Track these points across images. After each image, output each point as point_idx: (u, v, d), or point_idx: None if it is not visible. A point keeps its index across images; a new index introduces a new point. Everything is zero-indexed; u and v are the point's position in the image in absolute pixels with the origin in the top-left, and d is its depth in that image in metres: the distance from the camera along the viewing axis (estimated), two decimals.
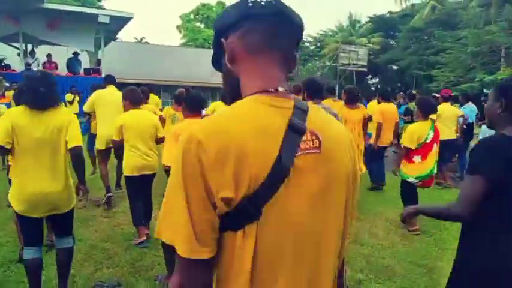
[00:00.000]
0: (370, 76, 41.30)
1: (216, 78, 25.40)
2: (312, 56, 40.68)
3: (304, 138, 0.88)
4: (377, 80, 40.42)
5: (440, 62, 22.16)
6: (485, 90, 19.29)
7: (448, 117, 6.91)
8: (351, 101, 5.45)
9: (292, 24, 0.96)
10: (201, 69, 26.35)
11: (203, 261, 0.83)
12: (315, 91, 3.83)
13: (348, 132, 1.04)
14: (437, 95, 8.44)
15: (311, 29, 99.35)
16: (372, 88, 39.18)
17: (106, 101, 5.57)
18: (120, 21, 14.67)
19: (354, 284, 3.53)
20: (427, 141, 4.58)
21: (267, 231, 0.83)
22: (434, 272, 3.75)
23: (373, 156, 6.34)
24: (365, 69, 26.28)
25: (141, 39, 36.17)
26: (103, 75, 14.39)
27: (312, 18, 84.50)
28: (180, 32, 41.96)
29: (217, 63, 1.04)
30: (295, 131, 0.87)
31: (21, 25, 12.84)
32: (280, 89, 0.91)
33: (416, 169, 4.52)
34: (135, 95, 4.27)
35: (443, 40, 22.96)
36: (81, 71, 14.49)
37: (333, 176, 0.92)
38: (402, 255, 4.16)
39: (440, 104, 7.09)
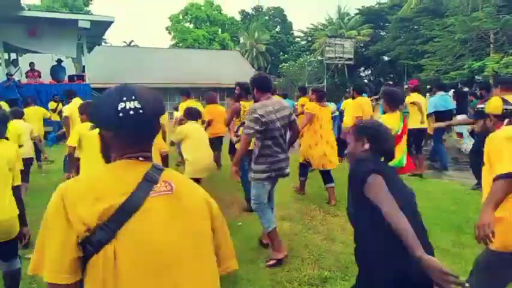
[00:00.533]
0: (362, 68, 41.48)
1: (202, 78, 25.34)
2: (303, 51, 40.57)
3: (158, 185, 1.18)
4: (369, 72, 40.49)
5: (429, 51, 22.05)
6: (477, 78, 19.27)
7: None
8: (321, 99, 5.77)
9: (152, 126, 1.25)
10: (190, 70, 26.28)
11: (68, 286, 1.07)
12: (262, 86, 3.87)
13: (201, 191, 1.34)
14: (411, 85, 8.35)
15: (302, 24, 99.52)
16: (365, 80, 39.26)
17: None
18: (102, 26, 14.51)
19: (319, 282, 3.47)
20: (398, 133, 4.51)
21: (124, 252, 1.06)
22: None
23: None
24: (351, 62, 26.13)
25: (130, 43, 36.00)
26: (87, 82, 14.40)
27: (303, 13, 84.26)
28: (170, 33, 41.81)
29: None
30: (149, 180, 1.18)
31: (1, 34, 12.71)
32: (140, 158, 1.23)
33: None
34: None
35: (430, 29, 22.84)
36: (66, 78, 14.39)
37: (185, 210, 1.20)
38: None
39: (409, 94, 7.31)
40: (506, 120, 2.64)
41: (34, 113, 8.13)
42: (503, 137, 2.34)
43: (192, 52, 32.69)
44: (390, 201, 1.73)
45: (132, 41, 36.27)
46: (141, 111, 1.16)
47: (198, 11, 40.79)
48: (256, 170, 3.80)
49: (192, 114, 5.29)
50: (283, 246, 3.88)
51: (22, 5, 12.21)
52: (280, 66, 36.84)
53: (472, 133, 8.62)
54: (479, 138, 5.51)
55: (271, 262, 3.76)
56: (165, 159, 4.82)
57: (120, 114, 1.15)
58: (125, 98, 1.17)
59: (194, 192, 1.28)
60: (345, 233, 4.47)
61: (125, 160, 1.22)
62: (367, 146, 2.06)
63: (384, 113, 4.73)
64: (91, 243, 1.05)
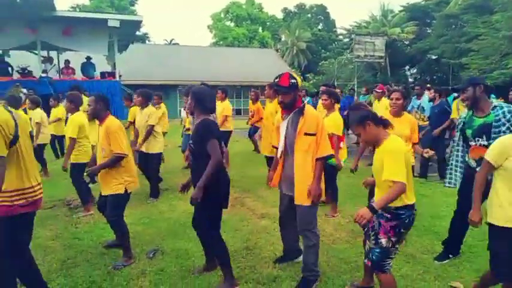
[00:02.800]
0: (408, 67, 39.86)
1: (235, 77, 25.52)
2: (345, 48, 39.67)
3: None
4: (415, 70, 38.83)
5: (473, 49, 20.75)
6: None
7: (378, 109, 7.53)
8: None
9: None
10: (226, 68, 26.57)
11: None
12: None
13: None
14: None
15: (345, 22, 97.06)
16: (410, 79, 37.68)
17: None
18: (132, 25, 15.05)
19: (267, 281, 3.41)
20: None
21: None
22: (359, 270, 3.52)
23: None
24: (382, 61, 25.20)
25: (171, 41, 36.99)
26: (117, 79, 14.99)
27: (346, 10, 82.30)
28: (211, 31, 42.50)
29: None
30: None
31: (38, 33, 13.55)
32: None
33: (343, 154, 5.07)
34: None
35: (475, 26, 21.48)
36: (98, 75, 15.06)
37: None
38: (334, 252, 4.02)
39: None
40: None
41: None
42: None
43: (229, 50, 33.04)
44: None
45: (173, 39, 37.26)
46: None
47: (239, 9, 41.14)
48: None
49: None
50: None
51: (55, 5, 12.89)
52: (320, 64, 36.32)
53: None
54: None
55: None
56: None
57: None
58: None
59: None
60: None
61: None
62: None
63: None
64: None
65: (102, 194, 3.89)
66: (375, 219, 2.60)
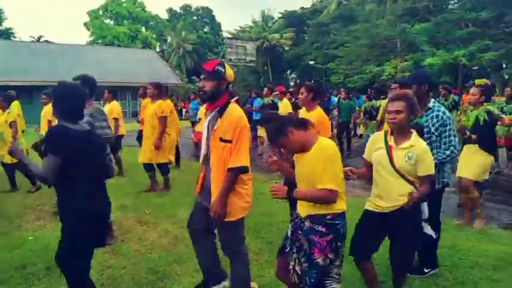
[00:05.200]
0: (289, 71, 42.27)
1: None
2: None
3: None
4: (295, 75, 41.35)
5: (339, 56, 22.79)
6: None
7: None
8: None
9: None
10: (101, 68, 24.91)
11: None
12: None
13: None
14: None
15: (230, 25, 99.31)
16: (291, 83, 39.96)
17: None
18: None
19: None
20: None
21: None
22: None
23: None
24: (253, 64, 26.27)
25: (39, 38, 33.37)
26: None
27: (231, 14, 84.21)
28: (89, 29, 39.49)
29: None
30: None
31: None
32: None
33: None
34: None
35: (341, 34, 23.68)
36: None
37: None
38: None
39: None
40: None
41: None
42: None
43: (105, 49, 31.02)
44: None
45: (42, 36, 33.61)
46: None
47: (119, 7, 38.92)
48: None
49: None
50: None
51: None
52: None
53: None
54: None
55: None
56: None
57: None
58: None
59: None
60: None
61: None
62: None
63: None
64: None
65: None
66: (302, 237, 2.27)
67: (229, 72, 2.63)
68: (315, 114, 3.68)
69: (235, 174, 2.55)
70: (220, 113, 2.58)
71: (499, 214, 4.76)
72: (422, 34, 18.08)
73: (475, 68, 20.42)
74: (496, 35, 16.26)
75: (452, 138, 3.00)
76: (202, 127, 2.81)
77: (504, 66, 18.92)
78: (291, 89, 10.29)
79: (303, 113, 3.91)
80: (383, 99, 7.00)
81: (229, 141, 2.52)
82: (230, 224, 2.59)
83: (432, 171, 2.48)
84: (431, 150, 2.77)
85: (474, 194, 4.21)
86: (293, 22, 35.48)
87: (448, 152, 2.99)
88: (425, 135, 2.97)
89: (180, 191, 5.73)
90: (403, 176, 2.48)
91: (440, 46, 18.16)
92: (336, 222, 2.20)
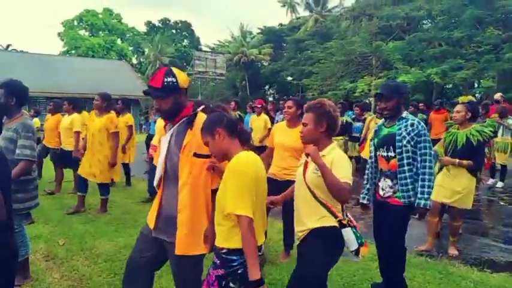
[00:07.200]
0: (267, 86, 42.17)
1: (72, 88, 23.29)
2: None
3: None
4: (274, 90, 41.22)
5: (315, 72, 22.63)
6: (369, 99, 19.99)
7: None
8: None
9: None
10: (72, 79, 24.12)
11: None
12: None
13: None
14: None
15: (208, 39, 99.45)
16: (270, 98, 39.81)
17: None
18: None
19: None
20: None
21: None
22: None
23: None
24: (223, 78, 26.10)
25: (7, 46, 32.21)
26: None
27: (210, 28, 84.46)
28: (62, 39, 38.49)
29: None
30: None
31: None
32: None
33: None
34: None
35: (316, 51, 23.59)
36: None
37: None
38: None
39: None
40: None
41: None
42: None
43: (77, 60, 30.15)
44: None
45: (10, 44, 32.40)
46: None
47: (94, 18, 38.13)
48: None
49: None
50: None
51: None
52: None
53: None
54: None
55: None
56: None
57: None
58: None
59: None
60: None
61: None
62: None
63: None
64: None
65: None
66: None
67: (182, 77, 2.19)
68: (298, 132, 3.21)
69: None
70: (189, 124, 2.17)
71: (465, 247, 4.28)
72: (396, 52, 18.02)
73: (448, 86, 20.52)
74: (468, 54, 16.28)
75: (428, 151, 2.85)
76: (160, 143, 2.34)
77: (476, 85, 19.01)
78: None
79: (283, 129, 3.73)
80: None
81: (208, 156, 2.11)
82: (191, 258, 2.13)
83: (348, 179, 2.15)
84: (405, 166, 2.83)
85: (459, 222, 4.11)
86: (271, 38, 35.50)
87: (429, 183, 2.84)
88: (397, 149, 2.90)
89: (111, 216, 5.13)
90: (312, 193, 2.23)
91: (414, 64, 18.13)
92: (234, 258, 1.86)
